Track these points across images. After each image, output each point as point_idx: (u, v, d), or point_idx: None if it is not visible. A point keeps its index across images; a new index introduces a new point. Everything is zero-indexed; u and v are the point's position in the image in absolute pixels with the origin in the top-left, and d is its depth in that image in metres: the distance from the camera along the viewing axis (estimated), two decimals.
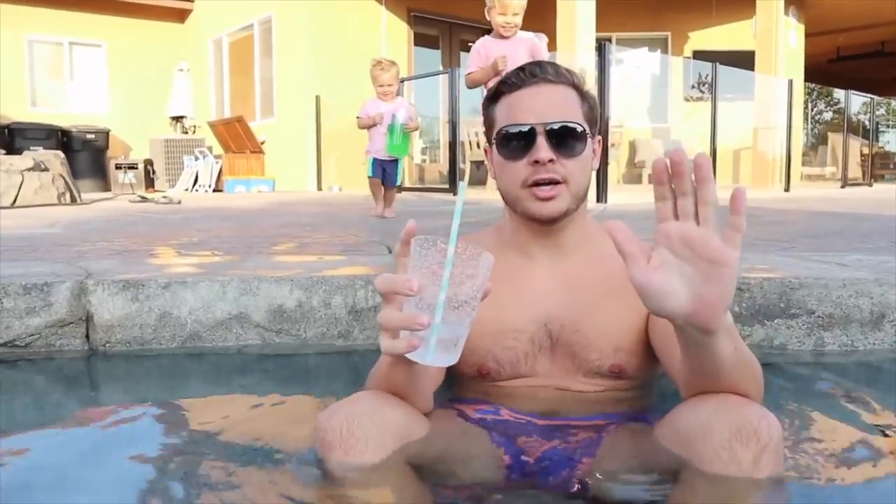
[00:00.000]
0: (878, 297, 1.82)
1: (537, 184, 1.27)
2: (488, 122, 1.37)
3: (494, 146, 1.33)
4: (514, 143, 1.28)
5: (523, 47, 3.84)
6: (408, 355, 0.94)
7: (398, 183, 5.52)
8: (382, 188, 5.35)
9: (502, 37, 3.85)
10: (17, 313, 1.83)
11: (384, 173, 5.27)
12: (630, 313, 1.28)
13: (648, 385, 1.38)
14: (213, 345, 1.87)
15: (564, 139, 1.26)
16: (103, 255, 2.63)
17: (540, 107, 1.27)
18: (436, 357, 0.94)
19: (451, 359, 0.96)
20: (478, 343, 1.30)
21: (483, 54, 3.83)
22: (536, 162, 1.25)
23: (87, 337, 1.87)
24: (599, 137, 1.38)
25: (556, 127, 1.26)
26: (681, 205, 0.85)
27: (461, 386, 1.40)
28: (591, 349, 1.29)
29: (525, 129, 1.26)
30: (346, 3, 10.44)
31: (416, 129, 5.45)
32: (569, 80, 1.32)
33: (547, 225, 1.32)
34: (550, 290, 1.33)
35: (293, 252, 2.70)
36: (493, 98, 1.36)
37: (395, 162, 5.30)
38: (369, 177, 5.31)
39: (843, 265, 2.09)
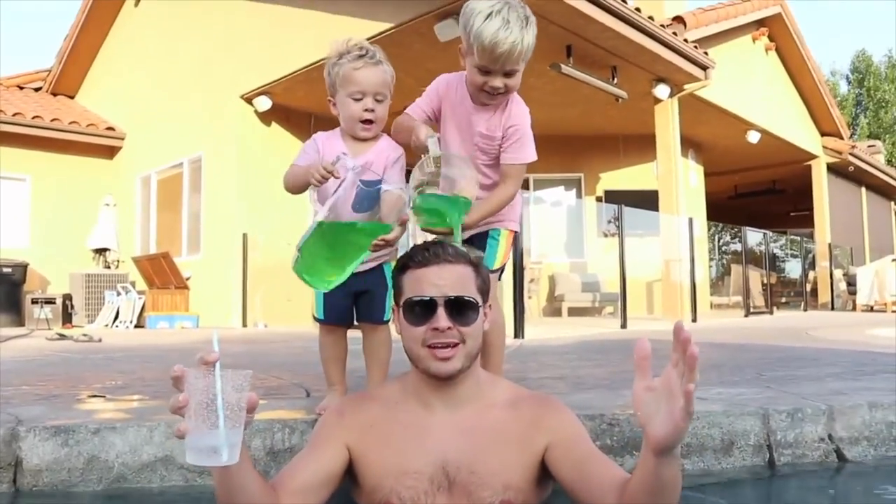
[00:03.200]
0: (727, 427, 2.12)
1: (435, 346, 1.54)
2: (397, 289, 1.65)
3: (401, 311, 1.60)
4: (418, 310, 1.56)
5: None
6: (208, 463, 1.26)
7: (388, 317, 2.28)
8: (344, 334, 2.35)
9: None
10: None
11: (355, 300, 2.29)
12: (518, 455, 1.54)
13: None
14: (140, 486, 1.99)
15: (460, 309, 1.55)
16: (28, 400, 2.71)
17: (440, 282, 1.56)
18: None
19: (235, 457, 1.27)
20: (383, 482, 1.53)
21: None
22: (436, 329, 1.53)
23: (14, 482, 1.97)
24: (490, 303, 1.69)
25: (452, 299, 1.54)
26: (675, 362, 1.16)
27: None
28: (484, 487, 1.50)
29: (427, 299, 1.55)
30: (276, 136, 10.88)
31: (402, 225, 2.14)
32: (466, 258, 1.62)
33: (444, 381, 1.58)
34: (448, 437, 1.56)
35: None
36: (401, 269, 1.64)
37: (372, 271, 2.26)
38: (316, 318, 2.32)
39: (702, 399, 2.41)
